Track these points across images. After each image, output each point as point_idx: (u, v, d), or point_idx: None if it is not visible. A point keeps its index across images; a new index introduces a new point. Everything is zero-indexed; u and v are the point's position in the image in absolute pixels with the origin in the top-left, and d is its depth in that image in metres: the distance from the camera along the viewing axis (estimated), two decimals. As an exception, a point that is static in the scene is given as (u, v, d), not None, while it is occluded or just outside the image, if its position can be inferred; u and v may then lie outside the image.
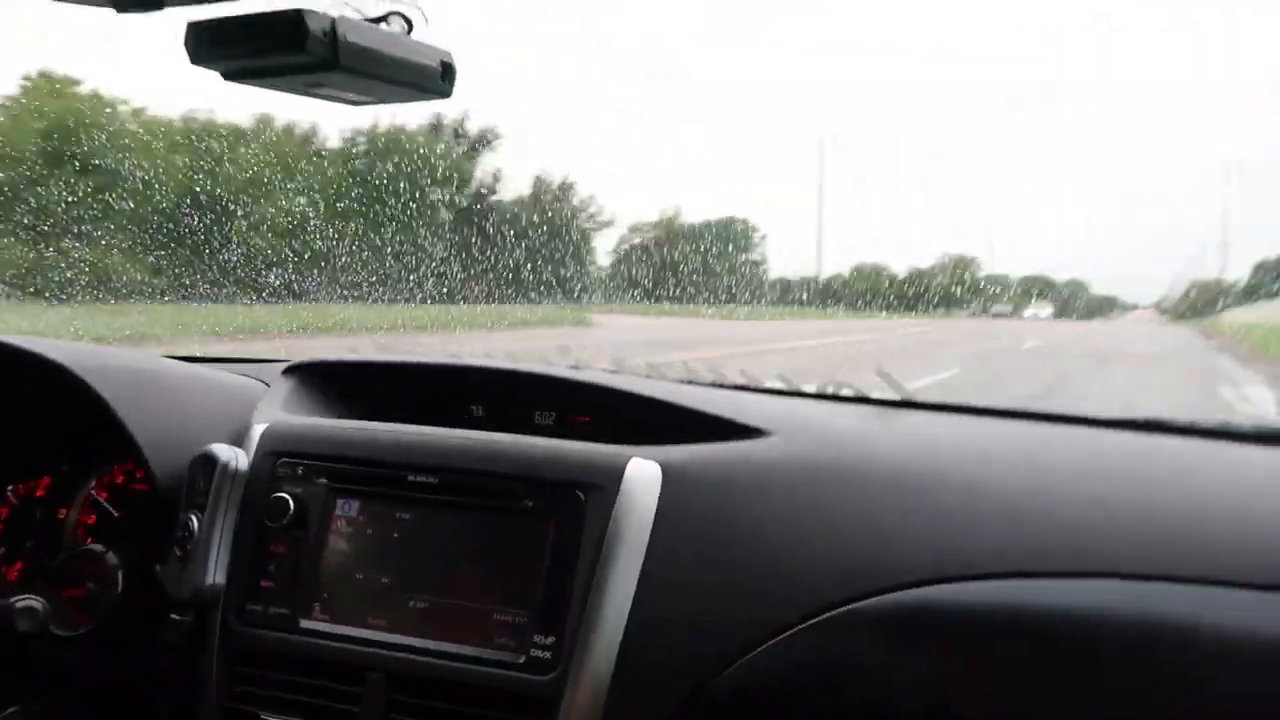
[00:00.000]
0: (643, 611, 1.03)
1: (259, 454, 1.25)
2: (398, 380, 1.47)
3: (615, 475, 1.09)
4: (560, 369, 1.41)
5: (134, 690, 1.24)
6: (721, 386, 1.43)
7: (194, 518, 1.18)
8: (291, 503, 1.19)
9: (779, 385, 1.44)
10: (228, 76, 0.68)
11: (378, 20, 0.66)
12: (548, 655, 1.05)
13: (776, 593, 1.01)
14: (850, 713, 0.98)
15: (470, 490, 1.15)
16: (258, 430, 1.28)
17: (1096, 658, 0.89)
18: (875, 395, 1.38)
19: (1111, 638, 0.89)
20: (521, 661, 1.06)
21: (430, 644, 1.10)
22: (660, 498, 1.07)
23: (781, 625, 0.99)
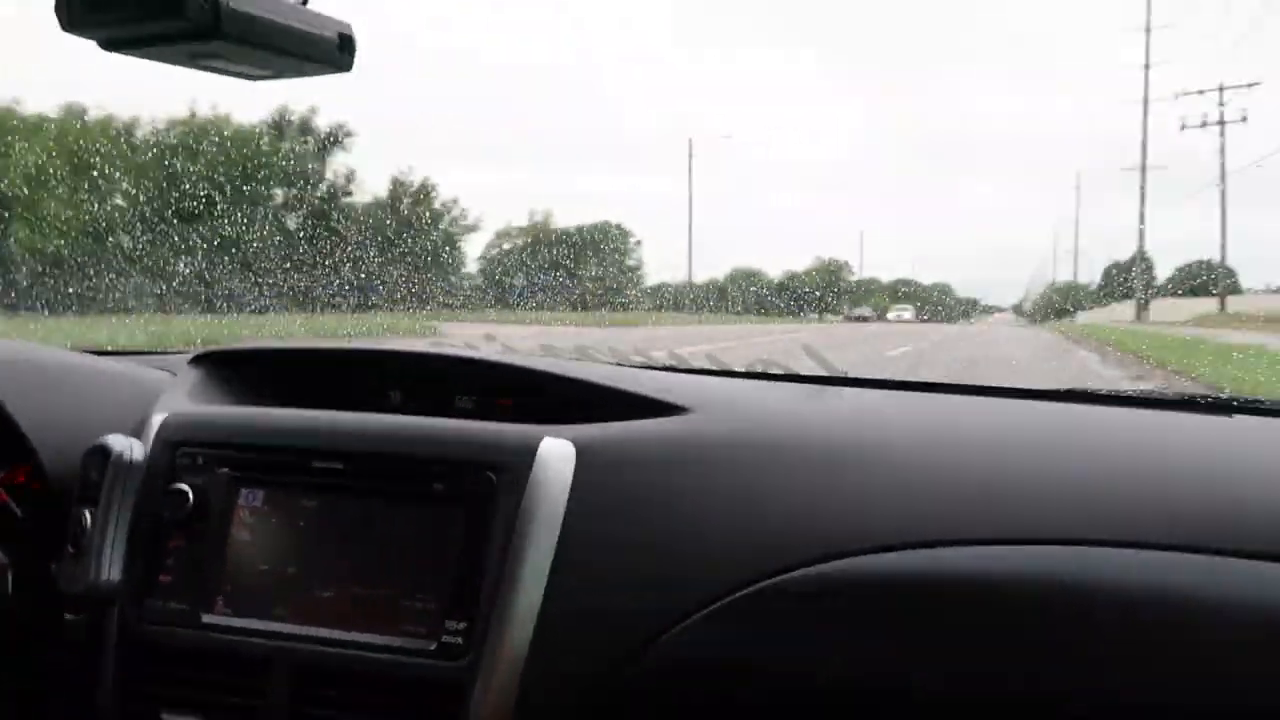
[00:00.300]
0: (557, 594, 1.00)
1: (157, 444, 1.19)
2: (312, 367, 1.40)
3: (527, 455, 1.04)
4: (482, 352, 1.39)
5: (28, 693, 1.20)
6: (650, 368, 1.40)
7: (87, 513, 1.12)
8: (191, 494, 1.13)
9: (707, 365, 1.43)
10: (107, 46, 0.63)
11: None
12: (459, 641, 1.01)
13: (692, 571, 0.98)
14: (772, 689, 0.97)
15: (378, 475, 1.11)
16: (156, 420, 1.21)
17: (1017, 623, 0.91)
18: (803, 373, 1.37)
19: (1028, 602, 0.91)
20: (432, 648, 1.02)
21: (338, 634, 1.06)
22: (575, 477, 1.04)
23: (698, 604, 0.96)
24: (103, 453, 1.14)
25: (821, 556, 0.96)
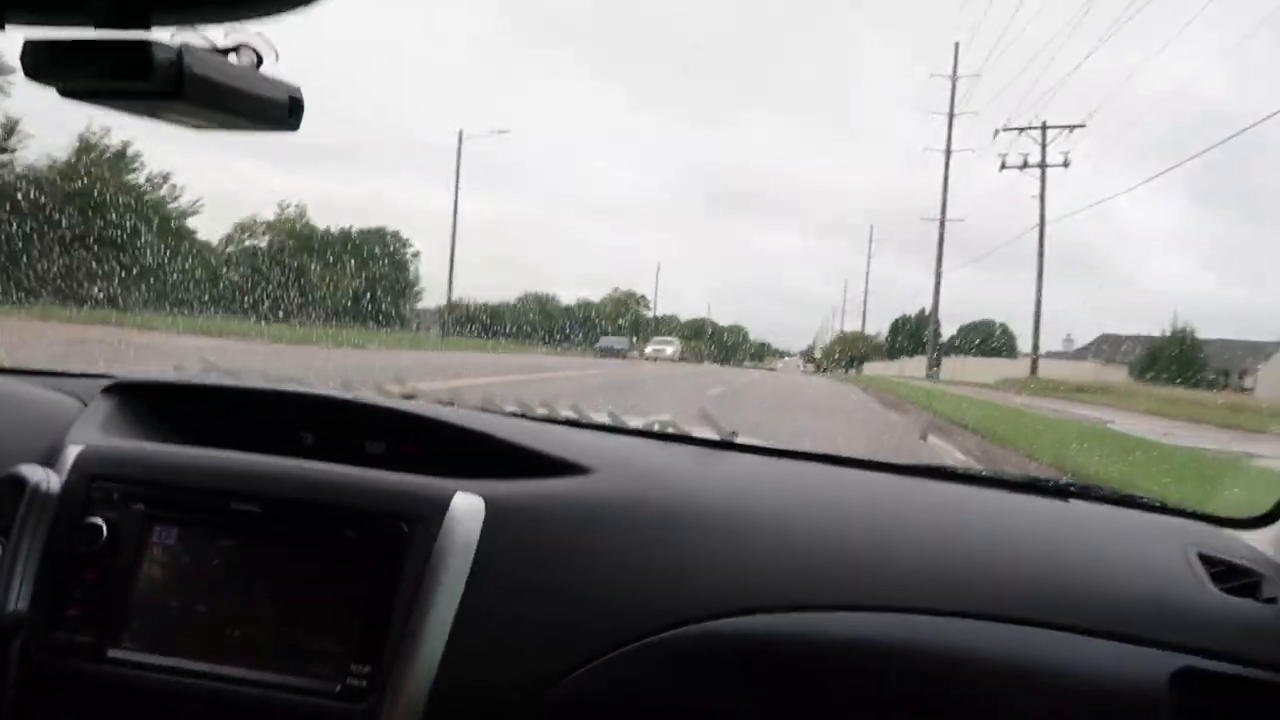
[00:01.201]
0: (459, 642, 1.04)
1: (73, 476, 1.19)
2: (225, 404, 1.42)
3: (440, 508, 1.10)
4: (393, 399, 1.43)
5: None
6: (552, 421, 1.45)
7: None
8: (105, 528, 1.14)
9: (607, 421, 1.45)
10: (64, 94, 0.64)
11: (226, 52, 0.63)
12: (363, 684, 1.05)
13: (585, 626, 1.03)
14: None
15: (293, 520, 1.13)
16: (72, 451, 1.22)
17: (879, 686, 0.98)
18: (697, 434, 1.41)
19: (894, 668, 0.97)
20: (337, 690, 1.05)
21: (245, 673, 1.08)
22: (483, 531, 1.08)
23: (590, 655, 1.02)
24: (17, 482, 1.14)
25: (702, 615, 1.02)
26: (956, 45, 38.72)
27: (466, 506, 1.10)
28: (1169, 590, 1.03)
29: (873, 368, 63.74)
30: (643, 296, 77.37)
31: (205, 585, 1.11)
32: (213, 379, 1.49)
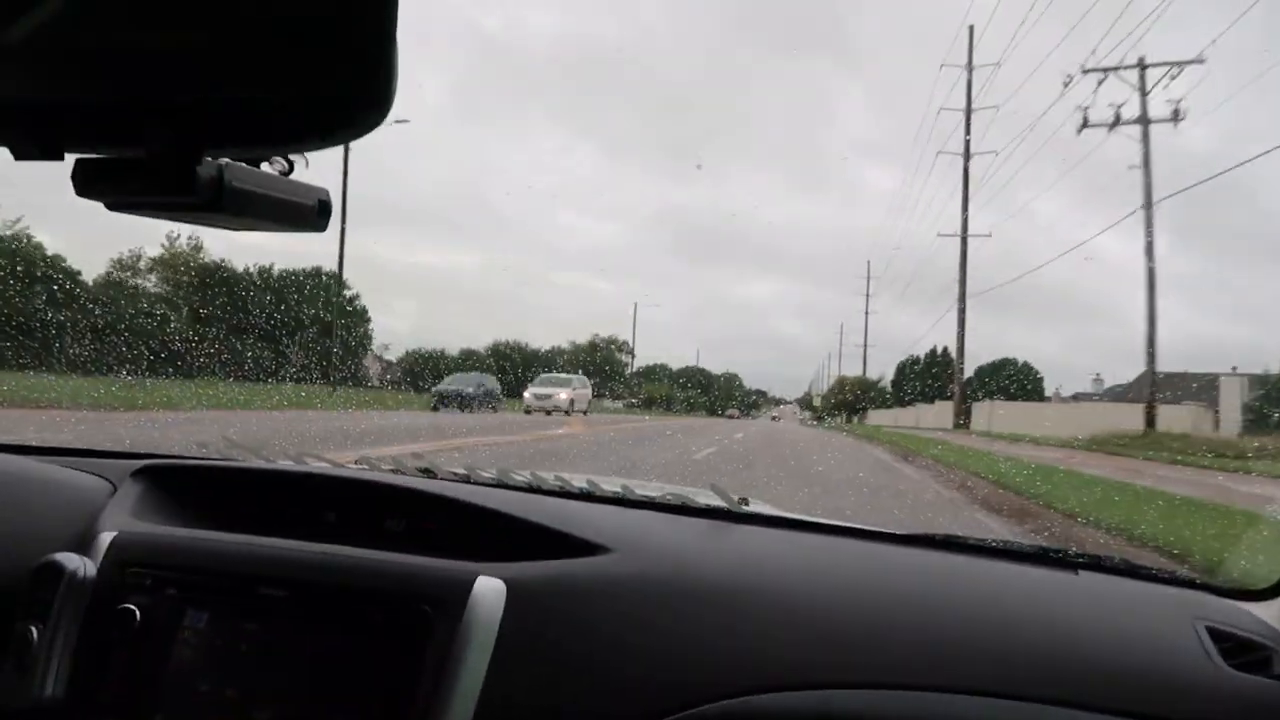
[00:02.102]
0: None
1: (106, 563, 1.22)
2: (249, 486, 1.46)
3: (462, 591, 1.10)
4: (410, 477, 1.45)
5: None
6: (566, 495, 1.45)
7: (34, 628, 1.16)
8: (138, 614, 1.17)
9: (618, 493, 1.47)
10: (112, 208, 0.66)
11: (258, 161, 0.65)
12: None
13: (609, 706, 1.03)
14: None
15: (319, 604, 1.14)
16: (106, 538, 1.25)
17: None
18: (707, 505, 1.41)
19: None
20: None
21: None
22: (504, 614, 1.08)
23: None
24: (55, 570, 1.18)
25: (724, 694, 1.01)
26: (971, 29, 34.04)
27: (488, 590, 1.09)
28: (1178, 666, 1.03)
29: (878, 417, 59.05)
30: (624, 342, 73.18)
31: (234, 668, 1.12)
32: (237, 460, 1.56)
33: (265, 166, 0.65)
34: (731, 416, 48.94)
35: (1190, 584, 1.24)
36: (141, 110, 0.56)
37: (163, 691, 1.13)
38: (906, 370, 59.23)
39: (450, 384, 25.19)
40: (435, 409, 22.26)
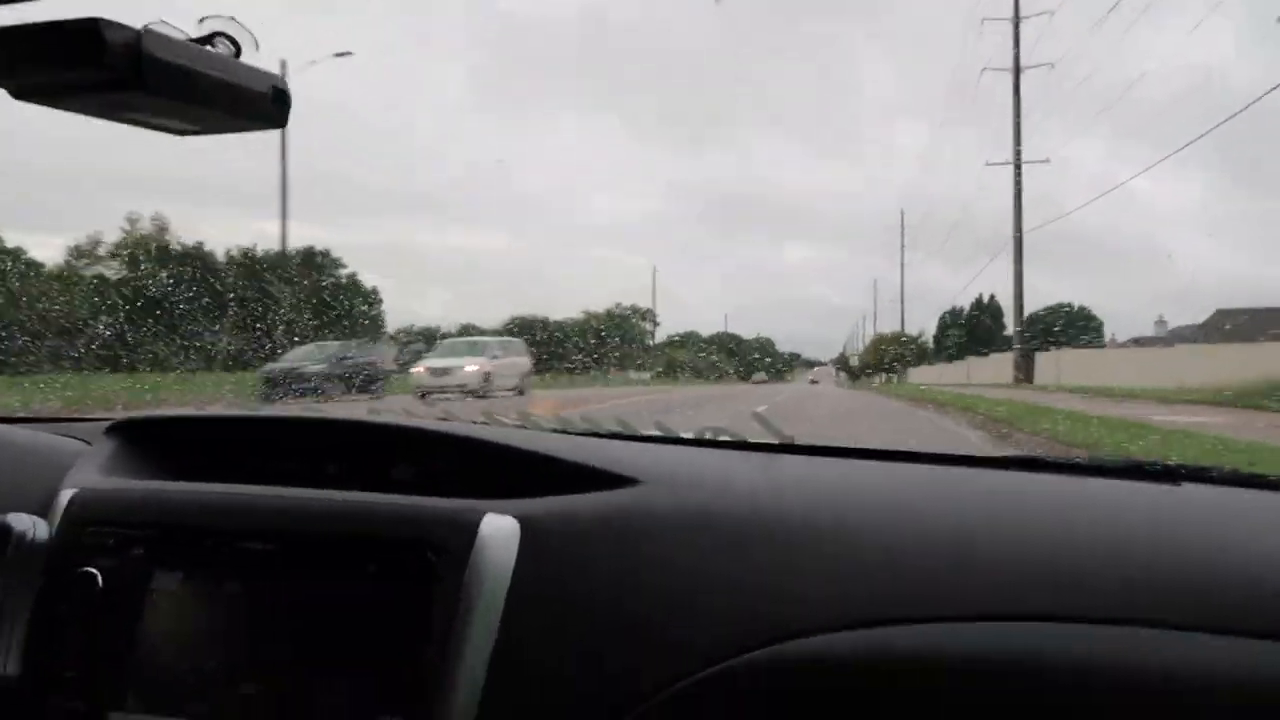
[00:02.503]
0: (498, 687, 0.94)
1: (64, 522, 1.12)
2: (240, 437, 1.33)
3: (468, 533, 0.99)
4: (422, 420, 1.31)
5: None
6: (596, 435, 1.33)
7: None
8: (100, 578, 1.06)
9: (655, 433, 1.36)
10: (18, 95, 0.63)
11: (201, 42, 0.60)
12: None
13: (642, 657, 0.93)
14: None
15: (306, 556, 1.03)
16: (65, 496, 1.15)
17: (981, 702, 0.88)
18: (752, 440, 1.31)
19: (1006, 685, 0.88)
20: None
21: None
22: (518, 555, 0.98)
23: (648, 692, 0.91)
24: (3, 532, 1.08)
25: (776, 637, 0.91)
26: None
27: (498, 529, 0.99)
28: None
29: (921, 374, 56.10)
30: (647, 310, 70.94)
31: (213, 636, 1.03)
32: (223, 412, 1.44)
33: (208, 49, 0.58)
34: (760, 382, 46.15)
35: None
36: None
37: (133, 666, 1.02)
38: (949, 323, 55.94)
39: (293, 360, 17.29)
40: (268, 398, 15.11)
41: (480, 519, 0.99)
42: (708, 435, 1.33)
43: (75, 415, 1.50)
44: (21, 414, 1.60)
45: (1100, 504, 1.07)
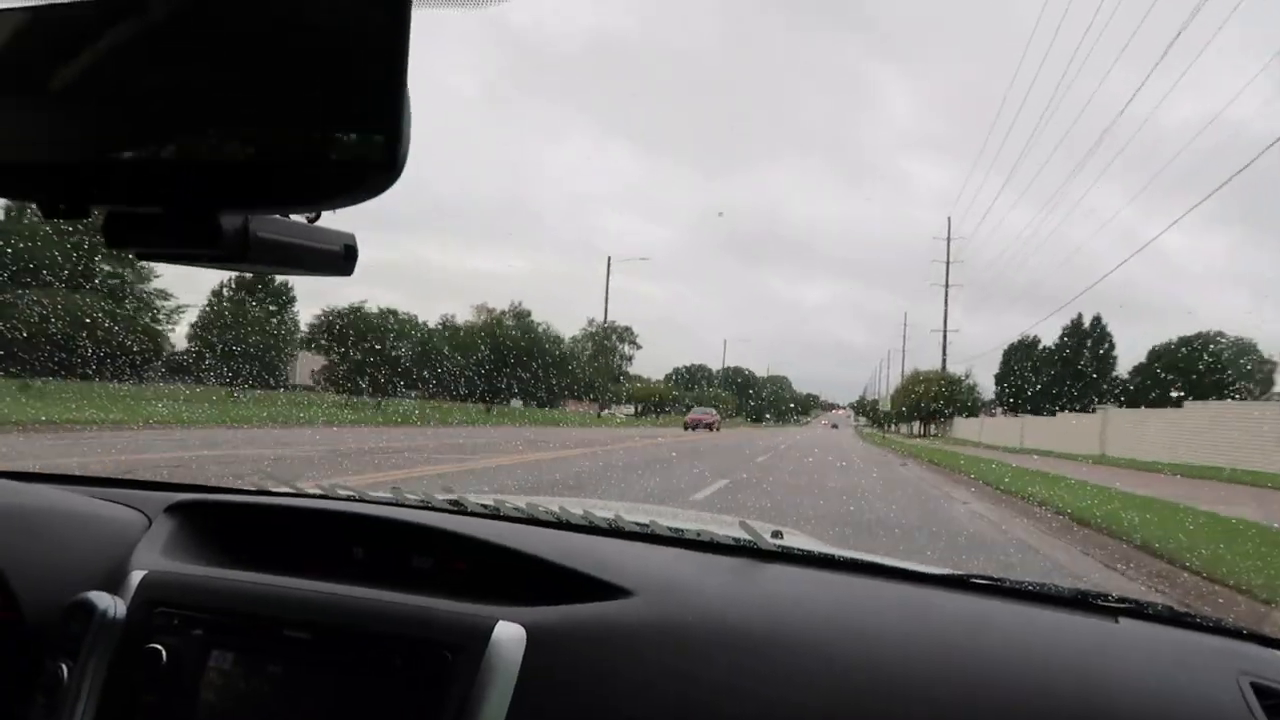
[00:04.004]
0: None
1: (135, 602, 1.25)
2: (280, 522, 1.48)
3: (482, 637, 1.11)
4: (439, 514, 1.44)
5: None
6: (593, 531, 1.44)
7: (64, 666, 1.18)
8: (165, 653, 1.19)
9: (646, 526, 1.44)
10: (141, 258, 0.72)
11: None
12: None
13: None
14: None
15: (341, 647, 1.16)
16: (136, 577, 1.28)
17: None
18: (736, 540, 1.37)
19: None
20: None
21: None
22: (524, 660, 1.09)
23: None
24: (86, 608, 1.20)
25: None
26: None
27: (508, 635, 1.10)
28: None
29: (967, 427, 44.23)
30: (626, 329, 62.41)
31: (258, 710, 1.14)
32: (269, 496, 1.59)
33: (293, 215, 0.65)
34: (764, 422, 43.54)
35: (1237, 634, 1.19)
36: (161, 170, 0.58)
37: None
38: (1017, 359, 43.38)
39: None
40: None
41: (493, 625, 1.10)
42: (699, 537, 1.38)
43: (127, 478, 1.68)
44: (77, 473, 1.74)
45: (1045, 635, 1.13)
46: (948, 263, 44.14)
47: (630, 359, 67.17)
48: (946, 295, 45.32)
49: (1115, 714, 0.97)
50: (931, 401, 40.56)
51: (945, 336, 44.85)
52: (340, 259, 0.70)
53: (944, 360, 46.57)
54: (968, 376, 46.71)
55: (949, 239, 45.40)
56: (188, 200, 0.60)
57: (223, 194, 0.59)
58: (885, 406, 51.30)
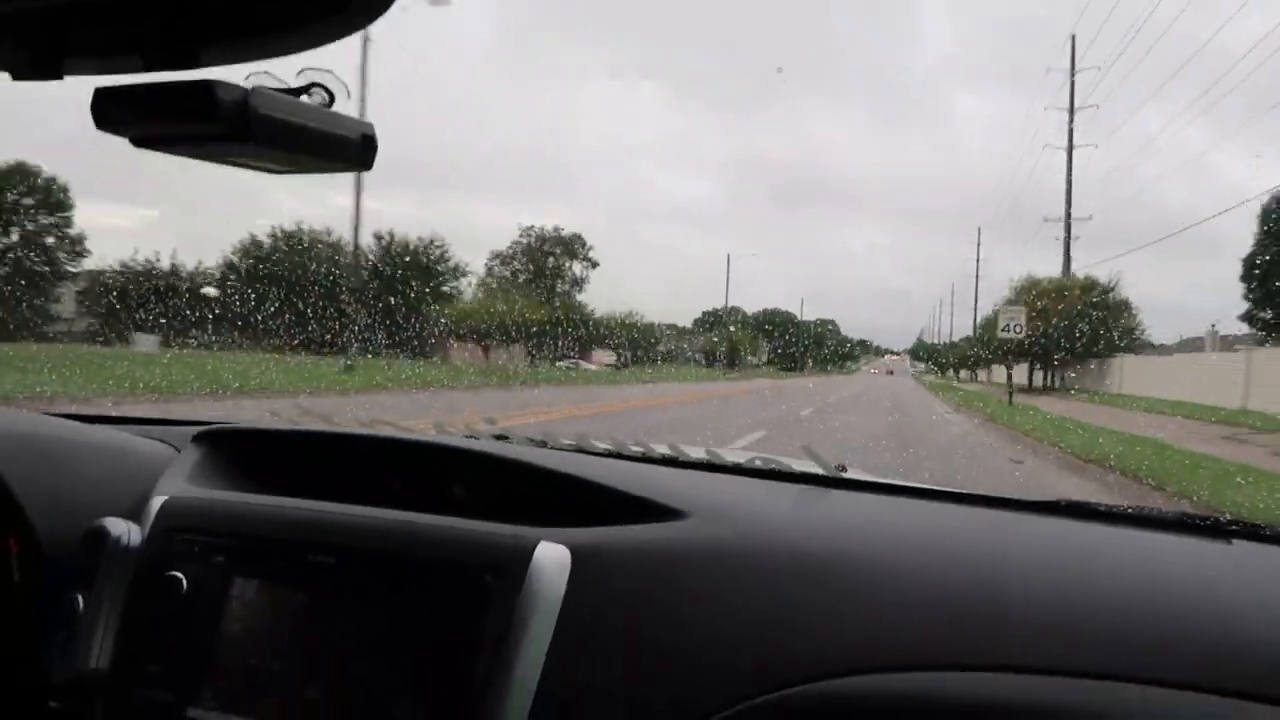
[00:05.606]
0: (543, 705, 0.98)
1: (155, 529, 1.20)
2: (315, 451, 1.42)
3: (523, 558, 1.04)
4: (483, 442, 1.38)
5: None
6: (648, 460, 1.39)
7: (80, 596, 1.15)
8: (185, 582, 1.14)
9: (704, 458, 1.40)
10: (136, 143, 0.69)
11: (297, 92, 0.66)
12: None
13: (685, 686, 0.96)
14: None
15: (370, 572, 1.10)
16: (156, 503, 1.23)
17: None
18: (801, 470, 1.32)
19: None
20: None
21: None
22: (569, 582, 1.03)
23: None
24: (99, 536, 1.16)
25: (817, 675, 0.93)
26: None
27: (551, 557, 1.03)
28: None
29: (1136, 373, 28.81)
30: (574, 237, 61.47)
31: (283, 642, 1.09)
32: (304, 425, 1.49)
33: (304, 99, 0.63)
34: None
35: None
36: (134, 13, 0.57)
37: (211, 666, 1.09)
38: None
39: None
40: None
41: (535, 545, 1.03)
42: (756, 464, 1.34)
43: (163, 418, 1.61)
44: (114, 413, 1.68)
45: (1145, 557, 1.06)
46: (1072, 78, 27.47)
47: (581, 282, 54.79)
48: (1071, 124, 27.98)
49: (1239, 642, 0.89)
50: (1072, 324, 23.36)
51: (1070, 204, 26.92)
52: (358, 149, 0.66)
53: (1067, 258, 28.58)
54: (1111, 280, 29.49)
55: (1073, 52, 29.03)
56: (161, 46, 0.57)
57: (200, 32, 0.57)
58: (971, 348, 35.62)
